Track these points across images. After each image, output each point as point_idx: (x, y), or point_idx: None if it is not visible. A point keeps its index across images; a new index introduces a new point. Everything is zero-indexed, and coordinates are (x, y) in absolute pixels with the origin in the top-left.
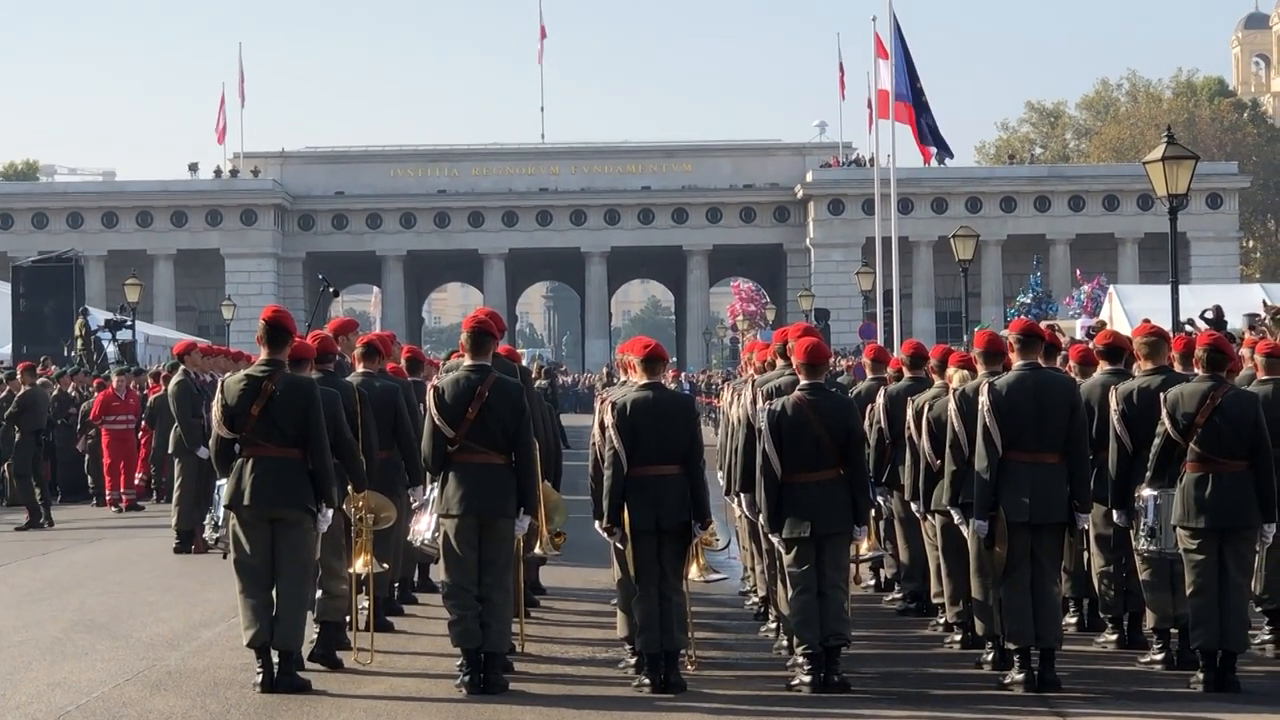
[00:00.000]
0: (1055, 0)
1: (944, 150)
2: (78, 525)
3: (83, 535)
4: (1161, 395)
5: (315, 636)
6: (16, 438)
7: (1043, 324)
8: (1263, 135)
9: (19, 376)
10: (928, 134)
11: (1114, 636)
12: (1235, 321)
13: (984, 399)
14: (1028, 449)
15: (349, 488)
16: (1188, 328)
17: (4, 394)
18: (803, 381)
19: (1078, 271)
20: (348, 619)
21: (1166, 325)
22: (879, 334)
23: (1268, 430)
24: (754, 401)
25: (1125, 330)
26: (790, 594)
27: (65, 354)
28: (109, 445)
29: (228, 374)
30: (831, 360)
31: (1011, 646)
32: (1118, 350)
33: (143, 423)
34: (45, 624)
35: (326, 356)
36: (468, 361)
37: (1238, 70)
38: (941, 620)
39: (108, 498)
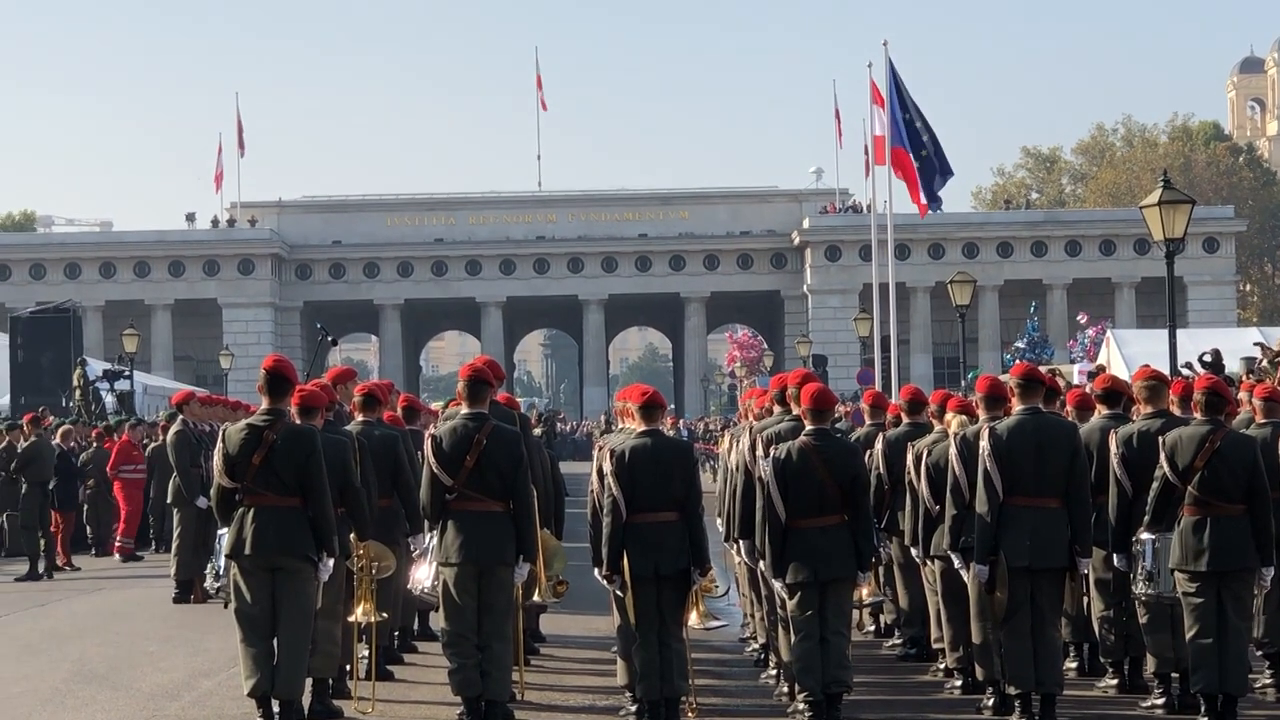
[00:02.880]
0: (1050, 46)
1: (935, 195)
2: (77, 575)
3: (82, 585)
4: (1160, 439)
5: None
6: (23, 489)
7: (1041, 368)
8: (1259, 179)
9: (25, 428)
10: (929, 177)
11: (1115, 681)
12: (1233, 365)
13: (984, 443)
14: (1028, 493)
15: (352, 536)
16: (1185, 371)
17: (3, 445)
18: (808, 427)
19: (1082, 316)
20: (348, 668)
21: (1164, 369)
22: (877, 380)
23: (1265, 474)
24: (753, 448)
25: (1123, 375)
26: (793, 640)
27: (63, 404)
28: (123, 495)
29: (228, 423)
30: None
31: (1012, 691)
32: (1116, 394)
33: None
34: (45, 675)
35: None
36: (465, 410)
37: (1233, 114)
38: (942, 666)
39: (117, 545)
